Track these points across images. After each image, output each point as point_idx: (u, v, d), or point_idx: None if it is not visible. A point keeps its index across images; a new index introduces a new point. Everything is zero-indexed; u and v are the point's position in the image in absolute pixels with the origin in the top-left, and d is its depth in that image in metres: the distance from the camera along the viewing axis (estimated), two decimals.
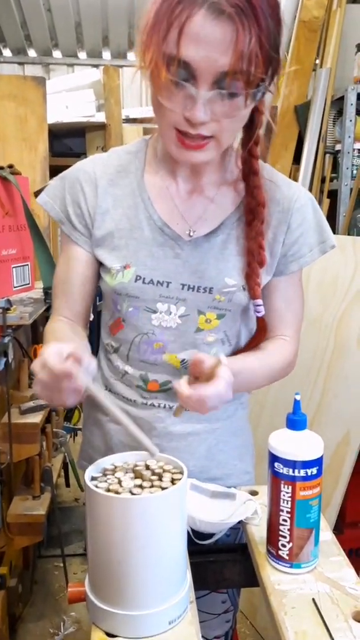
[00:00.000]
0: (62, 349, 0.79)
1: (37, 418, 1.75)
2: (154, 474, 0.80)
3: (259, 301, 1.00)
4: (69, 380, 0.77)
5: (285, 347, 1.06)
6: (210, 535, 0.99)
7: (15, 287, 1.88)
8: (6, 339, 1.60)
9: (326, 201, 2.71)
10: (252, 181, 0.98)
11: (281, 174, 1.05)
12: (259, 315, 1.01)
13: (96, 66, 4.88)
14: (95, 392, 0.82)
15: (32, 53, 5.27)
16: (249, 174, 0.98)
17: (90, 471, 0.80)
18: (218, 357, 0.88)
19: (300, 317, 1.09)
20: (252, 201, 0.98)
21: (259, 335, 1.05)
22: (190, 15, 0.76)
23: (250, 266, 0.98)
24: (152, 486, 0.77)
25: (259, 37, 0.77)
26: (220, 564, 1.01)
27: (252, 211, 0.98)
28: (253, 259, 0.98)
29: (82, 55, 5.31)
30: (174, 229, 0.99)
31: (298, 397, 0.86)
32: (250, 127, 0.94)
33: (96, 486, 0.76)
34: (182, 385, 0.87)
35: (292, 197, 1.01)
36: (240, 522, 0.99)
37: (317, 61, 2.81)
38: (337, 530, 2.03)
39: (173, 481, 0.78)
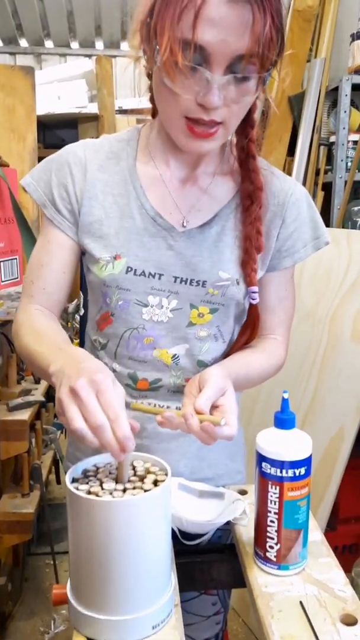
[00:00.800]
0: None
1: (25, 415, 1.72)
2: (136, 476, 0.77)
3: (255, 288, 0.97)
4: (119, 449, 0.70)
5: (276, 347, 1.05)
6: (198, 536, 0.97)
7: (3, 282, 1.85)
8: None
9: (320, 194, 2.68)
10: (250, 165, 0.96)
11: (276, 168, 1.04)
12: (254, 302, 0.99)
13: (89, 56, 4.83)
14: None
15: (23, 43, 5.20)
16: (247, 158, 0.97)
17: (72, 473, 0.78)
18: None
19: (291, 315, 1.07)
20: (249, 186, 0.96)
21: (251, 325, 1.02)
22: None
23: (248, 252, 0.96)
24: (134, 488, 0.75)
25: (273, 20, 0.76)
26: (208, 564, 0.99)
27: (250, 196, 0.96)
28: (251, 245, 0.96)
29: (75, 45, 5.24)
30: (167, 219, 0.96)
31: (286, 396, 0.83)
32: (247, 112, 0.92)
33: (77, 488, 0.73)
34: (191, 416, 0.79)
35: (288, 191, 1.00)
36: (228, 522, 0.97)
37: (312, 51, 2.77)
38: (330, 526, 2.02)
39: (156, 483, 0.75)
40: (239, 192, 0.99)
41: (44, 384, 1.93)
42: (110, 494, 0.73)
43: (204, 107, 0.81)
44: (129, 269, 0.95)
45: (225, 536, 1.09)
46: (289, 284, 1.06)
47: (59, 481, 2.47)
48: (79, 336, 1.19)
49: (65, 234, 0.98)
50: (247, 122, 0.94)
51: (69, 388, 0.70)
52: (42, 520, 2.25)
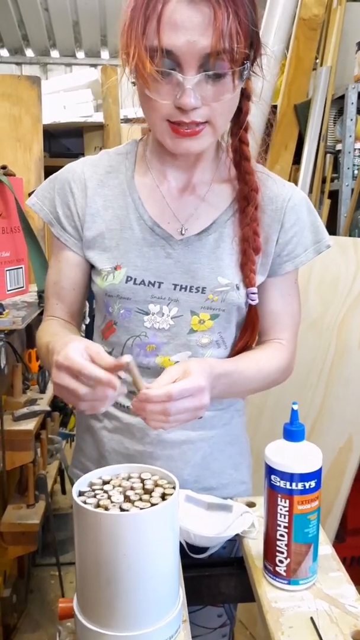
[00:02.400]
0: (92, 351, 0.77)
1: (30, 425, 1.71)
2: (144, 489, 0.76)
3: (254, 289, 0.98)
4: (111, 389, 0.76)
5: (282, 351, 1.03)
6: (205, 549, 0.95)
7: (9, 291, 1.84)
8: None
9: (327, 202, 2.67)
10: (244, 167, 0.97)
11: (275, 174, 1.04)
12: (253, 303, 0.99)
13: (94, 66, 4.86)
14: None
15: (29, 53, 5.25)
16: (241, 161, 0.97)
17: (79, 485, 0.77)
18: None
19: (297, 320, 1.07)
20: (244, 187, 0.97)
21: (250, 327, 1.02)
22: (166, 3, 0.77)
23: (246, 254, 0.97)
24: (140, 499, 0.73)
25: (236, 13, 0.78)
26: (216, 578, 0.98)
27: (246, 197, 0.97)
28: (248, 246, 0.97)
29: (80, 54, 5.29)
30: (164, 228, 0.97)
31: (296, 407, 0.82)
32: (238, 114, 0.94)
33: (84, 502, 0.72)
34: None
35: (286, 196, 1.00)
36: (236, 534, 0.96)
37: (317, 60, 2.77)
38: (339, 538, 2.00)
39: (164, 496, 0.74)
40: (236, 199, 0.99)
41: (49, 394, 1.92)
42: (119, 507, 0.72)
43: (182, 109, 0.82)
44: (129, 279, 0.96)
45: (230, 548, 1.08)
46: (292, 289, 1.05)
47: (64, 491, 2.45)
48: None
49: (73, 251, 1.02)
50: (239, 124, 0.95)
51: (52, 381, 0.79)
52: (47, 530, 2.23)
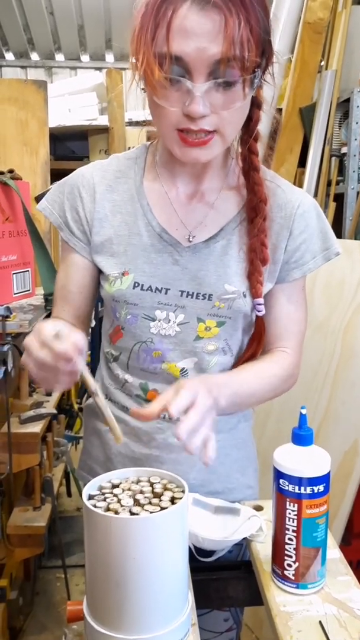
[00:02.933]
0: (59, 328, 0.77)
1: (37, 427, 1.72)
2: (153, 493, 0.76)
3: (260, 300, 0.97)
4: (67, 363, 0.76)
5: (286, 359, 1.02)
6: (213, 553, 0.96)
7: (15, 294, 1.85)
8: (5, 347, 1.57)
9: (332, 205, 2.67)
10: (252, 178, 0.96)
11: (284, 180, 1.03)
12: (260, 314, 0.98)
13: (99, 69, 4.87)
14: (87, 376, 0.80)
15: (34, 56, 5.26)
16: (249, 171, 0.97)
17: (88, 489, 0.77)
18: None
19: (303, 328, 1.06)
20: (253, 198, 0.96)
21: (257, 337, 1.01)
22: (176, 10, 0.76)
23: (253, 264, 0.96)
24: (150, 503, 0.74)
25: (247, 21, 0.77)
26: (224, 582, 0.98)
27: (254, 208, 0.96)
28: (256, 257, 0.96)
29: (85, 58, 5.30)
30: (172, 234, 0.97)
31: (304, 411, 0.83)
32: (248, 123, 0.93)
33: (95, 505, 0.73)
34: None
35: (295, 203, 0.99)
36: (244, 538, 0.96)
37: (322, 63, 2.78)
38: (345, 541, 1.99)
39: (173, 500, 0.74)
40: (244, 207, 0.99)
41: (55, 397, 1.93)
42: (129, 511, 0.72)
43: (191, 117, 0.81)
44: (136, 284, 0.96)
45: (237, 551, 1.08)
46: (299, 296, 1.04)
47: (69, 494, 2.46)
48: (90, 348, 1.20)
49: (81, 255, 1.02)
50: (249, 134, 0.94)
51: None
52: (53, 533, 2.24)
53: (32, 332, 0.80)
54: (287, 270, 1.01)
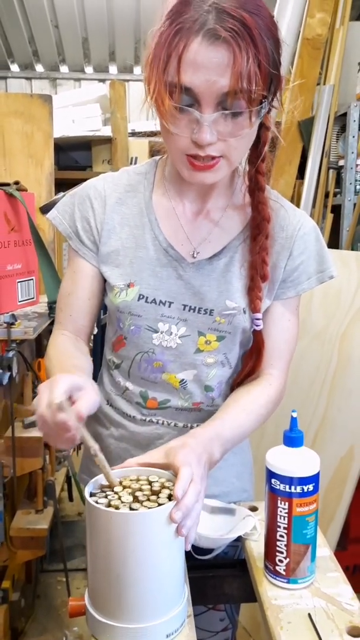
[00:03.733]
0: (61, 400, 0.77)
1: (40, 432, 1.75)
2: (152, 491, 0.81)
3: (259, 315, 1.00)
4: (66, 431, 0.77)
5: (270, 384, 1.04)
6: (210, 550, 1.00)
7: (20, 302, 1.90)
8: (10, 354, 1.61)
9: (330, 216, 2.73)
10: (257, 197, 0.99)
11: (287, 201, 1.06)
12: (258, 328, 1.01)
13: (103, 81, 4.93)
14: (87, 439, 0.80)
15: (39, 68, 5.34)
16: (255, 190, 0.99)
17: (90, 487, 0.81)
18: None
19: (292, 349, 1.07)
20: (257, 216, 0.99)
21: (256, 351, 1.04)
22: (188, 43, 0.79)
23: (253, 280, 0.99)
24: (148, 500, 0.78)
25: (256, 57, 0.79)
26: (220, 579, 1.02)
27: (258, 226, 0.99)
28: (256, 273, 0.99)
29: (89, 70, 5.37)
30: (178, 250, 1.00)
31: (295, 415, 0.87)
32: (256, 144, 0.96)
33: (96, 502, 0.77)
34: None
35: (297, 225, 1.02)
36: (239, 538, 1.00)
37: (321, 77, 2.84)
38: (341, 546, 2.03)
39: (170, 497, 0.79)
40: (248, 225, 1.02)
41: None
42: (129, 507, 0.76)
43: (198, 144, 0.85)
44: (141, 297, 0.99)
45: (232, 552, 1.12)
46: (292, 315, 1.06)
47: (71, 498, 2.49)
48: (92, 354, 1.23)
49: (90, 263, 1.04)
50: (256, 155, 0.97)
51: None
52: (54, 537, 2.27)
53: (46, 384, 0.81)
54: (282, 288, 1.04)
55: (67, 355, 0.99)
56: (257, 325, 1.01)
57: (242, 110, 0.82)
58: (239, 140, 0.86)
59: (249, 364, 1.04)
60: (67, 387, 0.78)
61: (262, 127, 0.94)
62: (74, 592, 2.21)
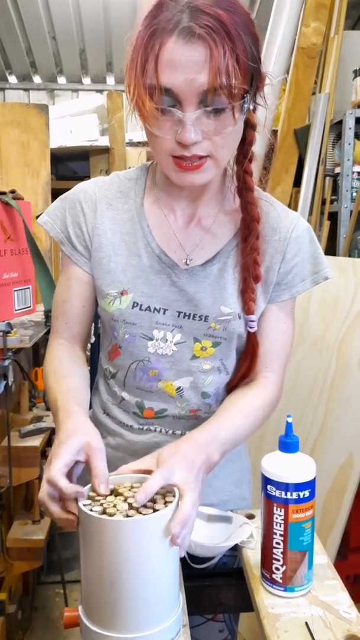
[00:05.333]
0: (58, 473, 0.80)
1: (37, 441, 1.75)
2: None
3: (253, 317, 1.00)
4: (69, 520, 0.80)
5: (268, 388, 1.03)
6: (207, 560, 0.98)
7: (16, 310, 1.89)
8: (6, 362, 1.60)
9: (326, 223, 2.73)
10: (246, 197, 0.98)
11: (280, 203, 1.06)
12: (252, 330, 1.00)
13: (100, 91, 4.95)
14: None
15: (37, 79, 5.36)
16: (243, 190, 0.99)
17: (84, 494, 0.80)
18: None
19: (288, 352, 1.07)
20: (247, 217, 0.98)
21: (250, 353, 1.03)
22: (163, 43, 0.79)
23: (246, 281, 0.99)
24: (144, 506, 0.77)
25: (233, 51, 0.79)
26: (216, 588, 1.01)
27: (248, 227, 0.98)
28: (248, 274, 0.98)
29: (87, 80, 5.39)
30: (171, 257, 1.00)
31: (290, 420, 0.86)
32: (242, 144, 0.95)
33: (91, 509, 0.76)
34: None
35: (290, 227, 1.02)
36: (237, 547, 0.99)
37: (316, 86, 2.85)
38: (341, 555, 2.01)
39: (166, 504, 0.78)
40: (240, 231, 1.01)
41: None
42: (126, 514, 0.75)
43: (183, 144, 0.84)
44: (135, 304, 0.99)
45: (230, 562, 1.10)
46: (287, 318, 1.06)
47: None
48: (90, 363, 1.23)
49: (83, 269, 1.03)
50: (244, 154, 0.96)
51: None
52: (51, 548, 2.25)
53: (51, 458, 0.83)
54: (277, 291, 1.03)
55: (63, 373, 0.99)
56: (250, 328, 1.00)
57: (224, 106, 0.82)
58: (224, 138, 0.86)
59: (244, 366, 1.04)
60: (65, 463, 0.81)
61: (248, 126, 0.94)
62: (72, 605, 2.19)
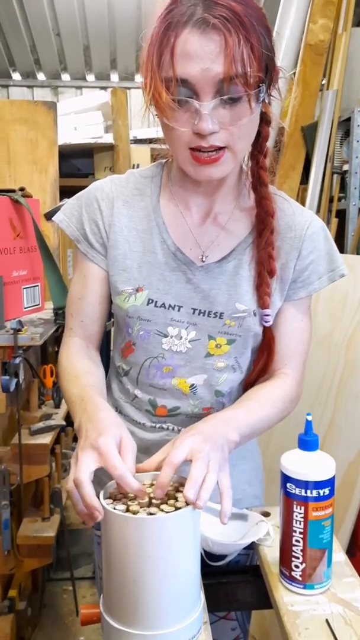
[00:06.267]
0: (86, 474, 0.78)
1: (47, 439, 1.75)
2: (167, 495, 0.80)
3: (268, 311, 0.99)
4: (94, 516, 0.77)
5: (287, 382, 1.03)
6: (223, 557, 0.99)
7: (25, 308, 1.89)
8: (17, 360, 1.60)
9: (334, 221, 2.73)
10: (261, 192, 0.98)
11: (294, 201, 1.06)
12: (267, 324, 1.00)
13: (104, 88, 4.95)
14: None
15: (41, 76, 5.36)
16: (258, 186, 0.99)
17: (105, 492, 0.81)
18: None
19: (306, 348, 1.07)
20: (261, 211, 0.99)
21: (266, 348, 1.03)
22: (178, 35, 0.80)
23: (261, 276, 0.99)
24: (166, 504, 0.77)
25: (247, 39, 0.80)
26: (233, 586, 1.01)
27: (262, 221, 0.98)
28: (263, 269, 0.98)
29: (91, 77, 5.39)
30: (186, 254, 1.00)
31: (310, 418, 0.86)
32: (257, 139, 0.96)
33: (114, 507, 0.76)
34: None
35: (304, 225, 1.02)
36: (251, 544, 0.99)
37: (324, 83, 2.85)
38: (350, 552, 2.00)
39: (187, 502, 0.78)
40: (255, 228, 1.01)
41: (64, 408, 1.96)
42: (148, 512, 0.75)
43: (201, 135, 0.84)
44: (150, 301, 0.99)
45: (244, 559, 1.11)
46: (305, 315, 1.06)
47: None
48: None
49: (99, 266, 1.03)
50: (258, 150, 0.97)
51: (75, 453, 0.82)
52: (60, 545, 2.25)
53: (74, 457, 0.82)
54: (293, 289, 1.03)
55: (84, 370, 0.99)
56: (266, 322, 1.00)
57: (239, 95, 0.83)
58: (241, 128, 0.86)
59: (260, 362, 1.04)
60: (90, 467, 0.79)
61: (263, 121, 0.94)
62: (81, 601, 2.20)
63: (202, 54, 0.79)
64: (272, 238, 0.98)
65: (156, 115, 0.90)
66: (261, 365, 1.04)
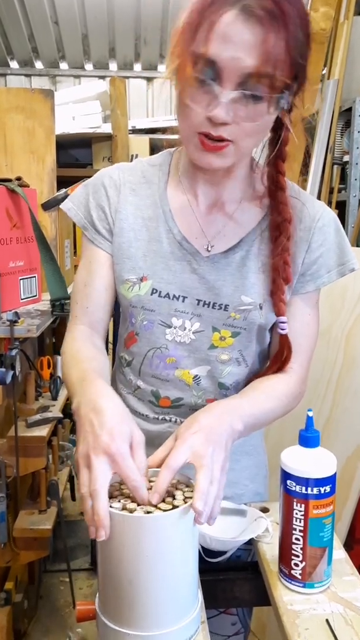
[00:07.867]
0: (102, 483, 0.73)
1: (43, 431, 1.73)
2: (166, 492, 0.78)
3: (284, 318, 0.97)
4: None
5: (293, 378, 1.01)
6: (221, 553, 0.97)
7: (22, 299, 1.87)
8: (14, 352, 1.59)
9: (334, 212, 2.71)
10: (278, 197, 0.96)
11: (305, 192, 1.03)
12: (283, 332, 0.98)
13: (103, 77, 4.90)
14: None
15: (39, 65, 5.29)
16: (276, 190, 0.96)
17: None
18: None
19: (313, 344, 1.05)
20: (278, 217, 0.96)
21: (281, 355, 1.00)
22: (221, 14, 0.77)
23: (275, 283, 0.96)
24: (163, 501, 0.76)
25: (286, 42, 0.77)
26: (231, 582, 1.00)
27: (278, 227, 0.96)
28: (278, 275, 0.96)
29: (89, 66, 5.33)
30: (192, 243, 0.98)
31: (311, 414, 0.85)
32: (277, 144, 0.93)
33: (111, 505, 0.74)
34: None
35: (315, 216, 0.99)
36: (251, 540, 0.98)
37: (325, 72, 2.82)
38: (347, 546, 2.00)
39: (185, 500, 0.76)
40: (265, 218, 0.99)
41: (61, 401, 1.95)
42: (145, 510, 0.74)
43: (212, 122, 0.82)
44: (154, 291, 0.98)
45: (245, 555, 1.09)
46: (312, 309, 1.03)
47: (74, 497, 2.47)
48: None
49: (106, 252, 1.02)
50: (277, 154, 0.94)
51: (85, 453, 0.76)
52: (57, 537, 2.24)
53: (84, 461, 0.77)
54: (301, 282, 1.00)
55: (89, 356, 0.96)
56: (282, 329, 0.98)
57: (262, 94, 0.80)
58: (252, 127, 0.84)
59: (274, 368, 1.01)
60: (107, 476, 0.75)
61: (283, 126, 0.91)
62: (77, 593, 2.20)
63: (237, 41, 0.77)
64: (288, 245, 0.95)
65: (175, 86, 0.86)
66: (273, 372, 1.01)
